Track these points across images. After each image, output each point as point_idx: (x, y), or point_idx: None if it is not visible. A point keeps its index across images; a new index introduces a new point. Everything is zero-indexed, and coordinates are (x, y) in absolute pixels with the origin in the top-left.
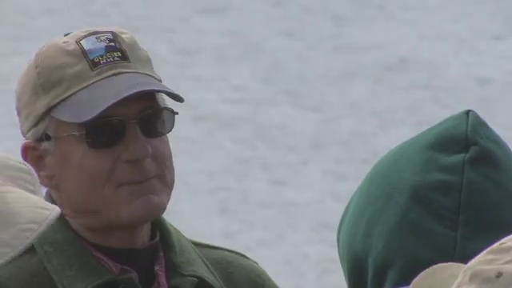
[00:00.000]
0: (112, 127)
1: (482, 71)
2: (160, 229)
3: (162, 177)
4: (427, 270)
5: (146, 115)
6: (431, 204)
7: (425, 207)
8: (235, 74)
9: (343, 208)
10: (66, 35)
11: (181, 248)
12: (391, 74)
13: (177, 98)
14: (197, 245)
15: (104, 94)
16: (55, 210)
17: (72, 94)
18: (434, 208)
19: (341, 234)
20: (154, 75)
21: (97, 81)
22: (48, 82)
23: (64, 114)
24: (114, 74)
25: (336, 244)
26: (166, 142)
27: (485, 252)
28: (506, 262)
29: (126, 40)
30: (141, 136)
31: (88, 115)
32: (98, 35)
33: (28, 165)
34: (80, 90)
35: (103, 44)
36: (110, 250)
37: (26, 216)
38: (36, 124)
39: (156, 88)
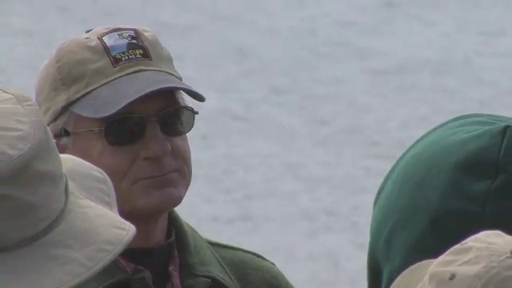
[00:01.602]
0: (132, 124)
1: None
2: (176, 228)
3: (181, 170)
4: (408, 268)
5: (166, 113)
6: (449, 234)
7: (443, 237)
8: None
9: None
10: (87, 32)
11: (196, 248)
12: None
13: (197, 97)
14: (213, 245)
15: (125, 91)
16: (131, 230)
17: (93, 90)
18: (452, 239)
19: (374, 213)
20: (175, 74)
21: (118, 77)
22: (69, 77)
23: (84, 110)
24: (136, 72)
25: None
26: (186, 140)
27: (446, 252)
28: (462, 264)
29: (148, 38)
30: (160, 134)
31: (108, 111)
32: (120, 32)
33: (103, 173)
34: (101, 86)
35: (125, 41)
36: (125, 249)
37: (102, 235)
38: (55, 119)
39: (176, 86)
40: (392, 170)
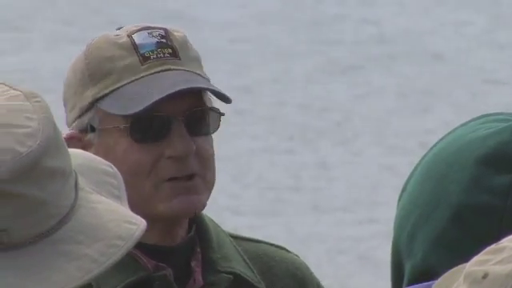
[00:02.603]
0: (158, 123)
1: None
2: (197, 223)
3: (204, 176)
4: (449, 271)
5: (192, 113)
6: (471, 228)
7: (465, 230)
8: None
9: None
10: (118, 29)
11: (218, 243)
12: None
13: (224, 98)
14: (236, 238)
15: (152, 89)
16: (142, 224)
17: (120, 87)
18: (474, 232)
19: (397, 210)
20: (202, 74)
21: (146, 75)
22: (97, 73)
23: (110, 106)
24: (163, 70)
25: None
26: (210, 142)
27: (482, 252)
28: (495, 263)
29: (177, 38)
30: (186, 133)
31: (134, 108)
32: (150, 30)
33: (113, 167)
34: (128, 83)
35: (155, 39)
36: (147, 247)
37: (112, 231)
38: (81, 115)
39: (203, 86)
40: (415, 168)
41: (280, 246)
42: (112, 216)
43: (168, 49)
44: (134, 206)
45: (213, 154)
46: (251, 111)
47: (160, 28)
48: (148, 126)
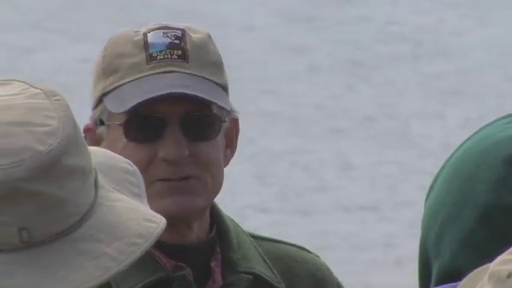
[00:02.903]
0: (152, 124)
1: None
2: (217, 223)
3: (202, 179)
4: (474, 271)
5: (189, 117)
6: (499, 228)
7: (492, 231)
8: None
9: None
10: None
11: (238, 243)
12: None
13: (206, 108)
14: (256, 238)
15: (144, 90)
16: (161, 222)
17: (122, 84)
18: (501, 233)
19: (425, 209)
20: (212, 79)
21: (147, 75)
22: (108, 68)
23: (109, 103)
24: (166, 72)
25: None
26: (215, 147)
27: (507, 251)
28: None
29: (193, 40)
30: (180, 136)
31: (123, 107)
32: (166, 30)
33: (133, 165)
34: (131, 81)
35: (168, 40)
36: (166, 246)
37: (132, 229)
38: (94, 108)
39: (188, 92)
40: (442, 168)
41: (301, 246)
42: (132, 214)
43: (178, 50)
44: None
45: (215, 161)
46: (274, 111)
47: (178, 29)
48: (141, 126)
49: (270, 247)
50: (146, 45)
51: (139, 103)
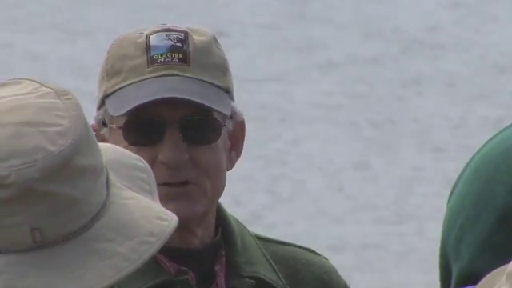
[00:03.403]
0: (151, 127)
1: None
2: (222, 226)
3: (201, 184)
4: (492, 272)
5: (188, 120)
6: None
7: (511, 233)
8: None
9: None
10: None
11: (243, 246)
12: None
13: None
14: (263, 240)
15: (143, 93)
16: (173, 220)
17: (124, 87)
18: None
19: (446, 212)
20: (214, 82)
21: (148, 78)
22: (111, 69)
23: (110, 105)
24: (166, 75)
25: None
26: (215, 151)
27: None
28: None
29: (196, 42)
30: (179, 140)
31: (120, 111)
32: (169, 33)
33: (144, 161)
34: (131, 84)
35: (169, 43)
36: (170, 250)
37: (144, 228)
38: (98, 108)
39: (184, 97)
40: (464, 169)
41: (308, 248)
42: (144, 212)
43: (179, 53)
44: None
45: (216, 163)
46: (286, 113)
47: (181, 31)
48: (139, 130)
49: (276, 249)
50: (147, 47)
51: (138, 106)
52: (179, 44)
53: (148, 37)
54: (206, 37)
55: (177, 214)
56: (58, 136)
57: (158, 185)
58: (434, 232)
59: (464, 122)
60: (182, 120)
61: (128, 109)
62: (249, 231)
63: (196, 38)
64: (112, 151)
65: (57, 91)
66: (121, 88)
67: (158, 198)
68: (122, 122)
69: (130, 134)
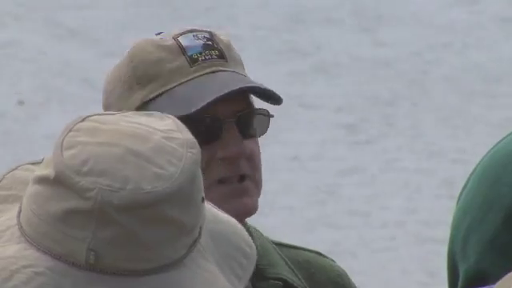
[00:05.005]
0: (209, 125)
1: None
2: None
3: (254, 177)
4: (507, 275)
5: (243, 115)
6: None
7: None
8: None
9: None
10: (158, 34)
11: (263, 250)
12: None
13: (274, 98)
14: (278, 245)
15: (206, 89)
16: None
17: (170, 89)
18: None
19: (454, 213)
20: (246, 75)
21: (196, 77)
22: (145, 76)
23: (162, 108)
24: (213, 72)
25: None
26: (258, 144)
27: None
28: None
29: (222, 40)
30: (238, 135)
31: (189, 109)
32: (195, 33)
33: (254, 248)
34: (179, 84)
35: (201, 42)
36: None
37: None
38: None
39: (259, 86)
40: (473, 171)
41: (317, 251)
42: (207, 286)
43: (215, 51)
44: None
45: (259, 159)
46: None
47: (204, 31)
48: (199, 128)
49: (289, 254)
50: (182, 48)
51: (209, 102)
52: (210, 42)
53: (176, 39)
54: (225, 35)
55: (242, 211)
56: (155, 178)
57: (216, 182)
58: None
59: None
60: (238, 115)
61: (204, 103)
62: (265, 236)
63: (219, 36)
64: (228, 226)
65: (186, 141)
66: (168, 90)
67: (245, 285)
68: None
69: (192, 133)
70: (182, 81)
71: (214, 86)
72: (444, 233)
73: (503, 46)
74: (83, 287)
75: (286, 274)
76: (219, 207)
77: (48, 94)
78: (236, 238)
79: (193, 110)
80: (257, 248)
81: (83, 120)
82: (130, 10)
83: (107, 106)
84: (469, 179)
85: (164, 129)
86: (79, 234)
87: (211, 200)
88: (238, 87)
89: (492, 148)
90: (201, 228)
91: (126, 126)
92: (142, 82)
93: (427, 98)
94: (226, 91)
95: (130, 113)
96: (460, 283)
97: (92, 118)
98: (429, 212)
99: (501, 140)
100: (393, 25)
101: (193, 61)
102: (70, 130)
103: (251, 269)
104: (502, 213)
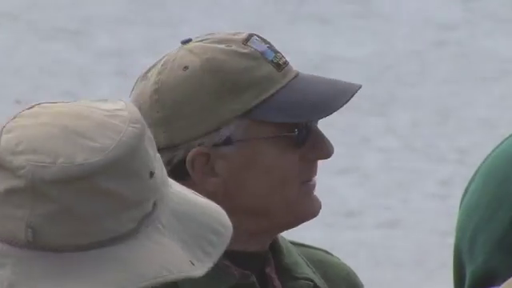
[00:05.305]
0: (306, 128)
1: None
2: None
3: None
4: None
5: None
6: None
7: None
8: None
9: None
10: (184, 42)
11: (287, 250)
12: None
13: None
14: (294, 244)
15: (323, 94)
16: (178, 275)
17: (270, 96)
18: None
19: (459, 213)
20: None
21: (289, 81)
22: (236, 85)
23: (271, 116)
24: (296, 76)
25: None
26: None
27: None
28: None
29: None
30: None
31: (305, 116)
32: (255, 36)
33: (230, 230)
34: (277, 91)
35: (265, 45)
36: (233, 253)
37: (138, 271)
38: (217, 129)
39: (357, 88)
40: (477, 171)
41: (325, 249)
42: (155, 257)
43: (279, 52)
44: (272, 213)
45: None
46: None
47: (249, 33)
48: (306, 132)
49: (305, 252)
50: (261, 54)
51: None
52: (268, 44)
53: (248, 45)
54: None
55: (318, 208)
56: (90, 151)
57: (303, 183)
58: None
59: None
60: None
61: (332, 110)
62: (283, 236)
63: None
64: (197, 207)
65: (131, 118)
66: (267, 98)
67: (214, 263)
68: (279, 129)
69: (301, 138)
70: (279, 86)
71: (320, 91)
72: (440, 233)
73: (502, 46)
74: (24, 264)
75: (311, 274)
76: (310, 205)
77: (45, 94)
78: (206, 218)
79: (316, 116)
80: (282, 247)
81: (31, 107)
82: (130, 9)
83: (175, 117)
84: (471, 181)
85: (110, 109)
86: (18, 212)
87: (303, 199)
88: (355, 90)
89: (494, 149)
90: (155, 204)
91: (70, 108)
92: (234, 92)
93: (425, 97)
94: (350, 96)
95: (86, 100)
96: (467, 284)
97: (42, 105)
98: (425, 212)
99: (503, 141)
100: (392, 23)
101: (277, 66)
102: (15, 117)
103: (223, 246)
104: (511, 212)
